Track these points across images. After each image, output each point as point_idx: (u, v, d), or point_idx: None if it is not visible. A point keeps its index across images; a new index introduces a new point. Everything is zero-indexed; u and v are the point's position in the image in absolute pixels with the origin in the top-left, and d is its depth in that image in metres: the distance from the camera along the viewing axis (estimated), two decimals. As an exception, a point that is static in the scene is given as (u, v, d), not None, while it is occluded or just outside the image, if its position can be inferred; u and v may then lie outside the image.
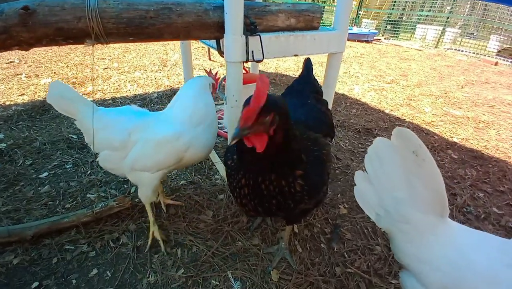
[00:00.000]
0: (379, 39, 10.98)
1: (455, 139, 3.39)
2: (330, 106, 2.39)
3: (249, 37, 1.71)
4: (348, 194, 2.32)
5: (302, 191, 1.24)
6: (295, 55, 1.96)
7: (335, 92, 4.71)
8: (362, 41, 10.13)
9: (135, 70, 5.11)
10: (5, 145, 2.75)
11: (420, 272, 1.07)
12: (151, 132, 1.63)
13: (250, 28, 1.73)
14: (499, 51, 9.12)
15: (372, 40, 10.35)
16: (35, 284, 1.54)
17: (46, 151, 2.71)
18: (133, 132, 1.62)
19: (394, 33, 11.81)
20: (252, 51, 1.77)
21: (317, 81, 1.85)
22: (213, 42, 1.96)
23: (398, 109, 4.15)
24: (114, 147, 1.63)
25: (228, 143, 1.09)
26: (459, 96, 4.94)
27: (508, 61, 8.32)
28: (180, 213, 2.02)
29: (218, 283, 1.57)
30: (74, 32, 1.51)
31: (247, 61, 1.80)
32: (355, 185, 1.24)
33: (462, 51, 9.42)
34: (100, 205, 1.92)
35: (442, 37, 10.69)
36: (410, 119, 3.83)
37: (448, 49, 9.77)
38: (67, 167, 2.51)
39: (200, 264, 1.67)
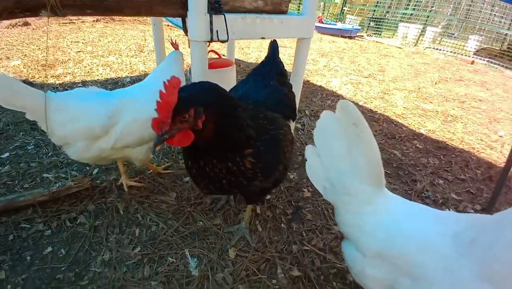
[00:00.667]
0: (362, 36, 11.15)
1: (422, 131, 3.52)
2: (299, 92, 2.42)
3: (213, 16, 1.70)
4: (314, 179, 2.37)
5: (254, 168, 1.25)
6: (263, 38, 1.95)
7: (313, 84, 4.78)
8: (345, 37, 10.25)
9: (109, 55, 4.96)
10: (-37, 125, 2.62)
11: (358, 240, 1.12)
12: (134, 112, 1.68)
13: (215, 7, 1.71)
14: (477, 51, 9.47)
15: (355, 36, 10.49)
16: (-13, 260, 1.50)
17: (9, 132, 2.60)
18: (113, 116, 1.63)
19: (377, 31, 12.01)
20: (217, 31, 1.75)
21: (283, 64, 1.86)
22: (179, 21, 1.94)
23: (372, 102, 4.26)
24: (94, 136, 1.61)
25: (151, 150, 1.05)
26: (431, 92, 5.11)
27: (484, 60, 8.66)
28: (143, 195, 2.00)
29: (174, 260, 1.58)
30: (31, 4, 1.47)
31: (211, 41, 1.78)
32: (306, 160, 1.27)
33: (440, 50, 9.72)
34: (57, 185, 1.88)
35: (422, 36, 10.98)
36: (381, 112, 3.93)
37: (427, 47, 10.06)
38: (29, 148, 2.42)
39: (158, 243, 1.67)
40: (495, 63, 8.55)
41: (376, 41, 10.46)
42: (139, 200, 1.95)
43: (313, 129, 3.27)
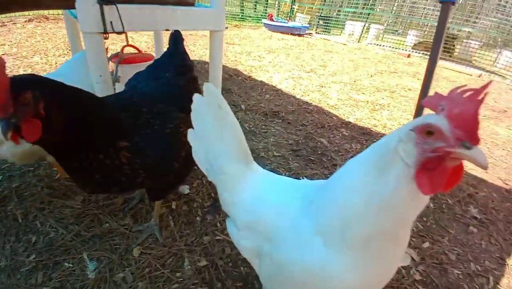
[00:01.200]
0: (311, 33, 11.58)
1: (350, 119, 3.75)
2: (218, 85, 2.43)
3: (104, 6, 1.63)
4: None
5: (132, 164, 1.22)
6: (167, 29, 1.92)
7: (254, 79, 4.85)
8: (295, 35, 10.57)
9: (34, 55, 4.57)
10: None
11: (234, 216, 1.18)
12: None
13: (105, -3, 1.64)
14: (414, 45, 10.32)
15: (304, 34, 10.86)
16: None
17: None
18: None
19: (326, 28, 12.56)
20: (111, 22, 1.69)
21: (187, 55, 1.81)
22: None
23: (308, 95, 4.43)
24: None
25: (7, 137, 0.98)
26: (366, 84, 5.47)
27: (420, 53, 9.47)
28: (45, 200, 1.87)
29: (71, 265, 1.50)
30: None
31: (105, 32, 1.71)
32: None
33: (381, 45, 10.44)
34: None
35: (366, 33, 11.72)
36: (316, 103, 4.11)
37: (368, 44, 10.73)
38: None
39: (55, 249, 1.57)
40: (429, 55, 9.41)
41: (324, 38, 10.93)
42: (40, 206, 1.81)
43: (245, 122, 3.33)
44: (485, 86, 0.67)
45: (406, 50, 9.80)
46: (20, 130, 0.96)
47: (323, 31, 12.41)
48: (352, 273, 0.82)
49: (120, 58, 2.51)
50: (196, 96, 1.18)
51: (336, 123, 3.54)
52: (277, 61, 6.36)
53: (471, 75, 7.99)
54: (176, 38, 1.81)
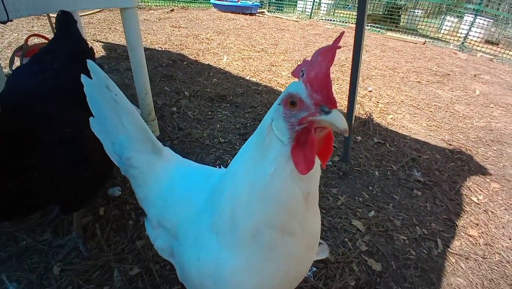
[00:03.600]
0: (263, 12, 11.30)
1: (301, 97, 3.70)
2: (142, 72, 2.19)
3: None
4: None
5: (40, 181, 1.02)
6: (62, 11, 1.63)
7: (201, 63, 4.58)
8: (246, 14, 10.22)
9: None
10: None
11: (148, 213, 1.07)
12: None
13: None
14: (361, 19, 10.50)
15: (256, 13, 10.56)
16: None
17: None
18: None
19: (278, 6, 12.33)
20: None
21: (82, 38, 1.53)
22: None
23: (259, 75, 4.30)
24: None
25: None
26: (317, 59, 5.45)
27: (368, 26, 9.66)
28: None
29: (-19, 294, 1.28)
30: None
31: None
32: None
33: (332, 20, 10.51)
34: None
35: (318, 9, 11.71)
36: (266, 83, 4.00)
37: (320, 19, 10.75)
38: None
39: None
40: (377, 27, 9.67)
41: (276, 17, 10.73)
42: None
43: (189, 110, 3.13)
44: (336, 40, 0.60)
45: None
46: None
47: (276, 9, 12.18)
48: (246, 274, 0.73)
49: (25, 51, 2.16)
50: (82, 78, 0.99)
51: (285, 102, 3.47)
52: (227, 42, 6.09)
53: (416, 43, 8.36)
54: (65, 20, 1.51)
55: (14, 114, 1.06)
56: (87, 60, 0.96)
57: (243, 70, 4.44)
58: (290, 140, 0.65)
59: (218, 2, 10.36)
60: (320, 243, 0.98)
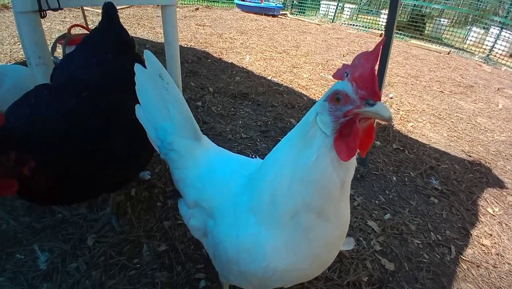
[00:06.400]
0: (285, 14, 11.36)
1: (321, 99, 3.76)
2: (176, 67, 2.32)
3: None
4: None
5: (109, 177, 1.16)
6: (108, 2, 1.73)
7: (225, 62, 4.71)
8: (269, 15, 10.32)
9: (-18, 43, 4.19)
10: None
11: (184, 193, 1.15)
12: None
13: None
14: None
15: (278, 15, 10.64)
16: None
17: None
18: None
19: (301, 9, 12.37)
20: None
21: (125, 31, 1.61)
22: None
23: (280, 76, 4.38)
24: None
25: None
26: (338, 64, 5.47)
27: (394, 33, 9.54)
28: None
29: (23, 257, 1.43)
30: None
31: (41, 10, 1.55)
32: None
33: (355, 25, 10.45)
34: None
35: (341, 13, 11.67)
36: (287, 84, 4.08)
37: (342, 24, 10.71)
38: None
39: (7, 240, 1.49)
40: (402, 34, 9.55)
41: (298, 19, 10.77)
42: (-15, 200, 1.70)
43: (213, 105, 3.25)
44: (377, 45, 0.68)
45: (379, 29, 9.87)
46: None
47: (298, 12, 12.22)
48: (282, 252, 0.81)
49: (68, 39, 2.33)
50: (137, 67, 1.10)
51: (306, 103, 3.53)
52: (249, 42, 6.21)
53: (440, 52, 8.20)
54: (110, 12, 1.57)
55: (94, 102, 1.18)
56: (145, 50, 1.06)
57: (265, 70, 4.53)
58: (333, 132, 0.74)
59: (241, 3, 10.52)
60: (346, 236, 1.05)
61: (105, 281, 1.36)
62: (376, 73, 0.68)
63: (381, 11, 11.60)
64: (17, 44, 4.33)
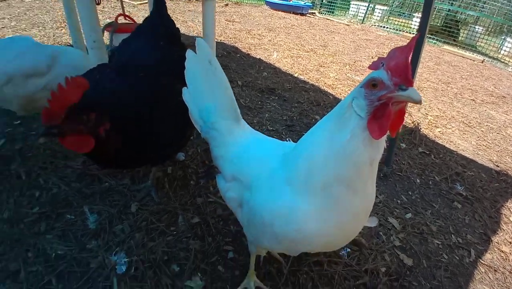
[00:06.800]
0: (314, 13, 11.32)
1: (347, 99, 3.79)
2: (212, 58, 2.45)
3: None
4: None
5: (163, 148, 1.32)
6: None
7: (253, 57, 4.83)
8: (297, 14, 10.33)
9: (32, 27, 4.55)
10: None
11: (222, 169, 1.28)
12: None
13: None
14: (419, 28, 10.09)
15: (306, 13, 10.63)
16: None
17: None
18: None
19: (330, 8, 12.26)
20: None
21: (173, 22, 1.78)
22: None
23: (307, 74, 4.44)
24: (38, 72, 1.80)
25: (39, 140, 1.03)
26: (365, 65, 5.44)
27: (426, 37, 9.28)
28: (46, 160, 1.96)
29: (73, 217, 1.61)
30: None
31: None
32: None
33: (385, 27, 10.25)
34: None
35: (371, 14, 11.46)
36: (313, 82, 4.14)
37: (372, 25, 10.53)
38: None
39: (57, 202, 1.68)
40: (434, 39, 9.27)
41: (327, 19, 10.71)
42: (42, 166, 1.91)
43: (241, 98, 3.38)
44: (412, 40, 0.78)
45: (410, 33, 9.62)
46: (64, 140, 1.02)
47: (327, 11, 12.12)
48: (313, 218, 0.93)
49: (115, 28, 2.53)
50: (188, 52, 1.24)
51: (332, 102, 3.59)
52: (277, 40, 6.29)
53: (474, 60, 7.91)
54: (161, 3, 1.72)
55: (149, 82, 1.34)
56: (197, 38, 1.19)
57: (291, 68, 4.61)
58: (367, 114, 0.85)
59: (270, 0, 10.58)
60: (370, 215, 1.14)
61: (147, 242, 1.52)
62: (409, 63, 0.78)
63: (414, 14, 11.28)
64: (59, 29, 4.66)
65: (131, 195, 1.80)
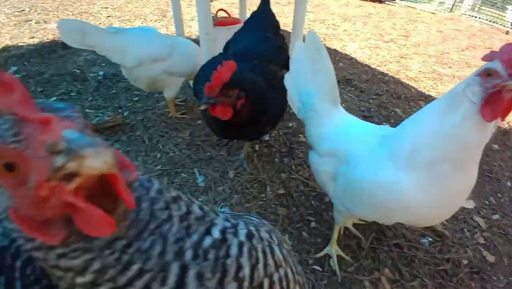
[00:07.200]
0: (394, 0, 10.48)
1: (431, 93, 3.58)
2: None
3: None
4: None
5: (266, 121, 1.60)
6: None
7: (328, 48, 4.82)
8: (375, 1, 9.73)
9: (135, 19, 5.33)
10: (19, 75, 3.14)
11: (317, 145, 1.47)
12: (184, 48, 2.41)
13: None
14: (514, 22, 8.63)
15: (385, 1, 9.92)
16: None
17: (54, 81, 3.10)
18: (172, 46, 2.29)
19: (412, -5, 11.17)
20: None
21: (275, 16, 2.04)
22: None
23: (386, 65, 4.28)
24: (160, 58, 2.23)
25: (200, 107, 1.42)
26: (454, 58, 4.96)
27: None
28: (163, 130, 2.42)
29: (186, 176, 2.01)
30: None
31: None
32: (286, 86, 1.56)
33: (477, 18, 8.97)
34: (97, 119, 2.33)
35: (460, 2, 10.10)
36: (393, 74, 3.98)
37: (463, 14, 9.31)
38: (72, 94, 2.90)
39: (174, 163, 2.10)
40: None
41: (409, 6, 9.84)
42: (160, 134, 2.37)
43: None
44: None
45: (505, 26, 8.26)
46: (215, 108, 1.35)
47: (409, -2, 11.07)
48: (415, 190, 1.05)
49: (215, 21, 2.87)
50: (297, 44, 1.43)
51: (414, 96, 3.44)
52: (353, 29, 6.11)
53: None
54: (265, 1, 1.99)
55: (261, 67, 1.61)
56: (309, 30, 1.37)
57: (369, 59, 4.49)
58: (481, 100, 0.94)
59: (347, -12, 10.14)
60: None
61: (243, 203, 1.82)
62: None
63: (507, 6, 9.56)
64: (157, 21, 5.35)
65: (228, 164, 2.12)
